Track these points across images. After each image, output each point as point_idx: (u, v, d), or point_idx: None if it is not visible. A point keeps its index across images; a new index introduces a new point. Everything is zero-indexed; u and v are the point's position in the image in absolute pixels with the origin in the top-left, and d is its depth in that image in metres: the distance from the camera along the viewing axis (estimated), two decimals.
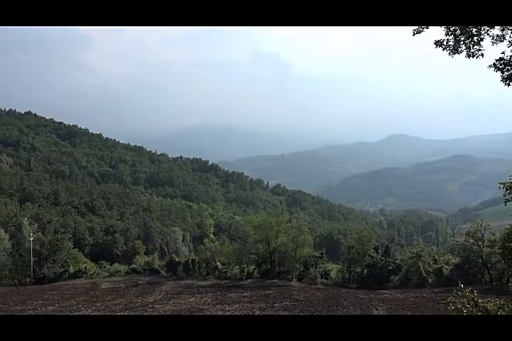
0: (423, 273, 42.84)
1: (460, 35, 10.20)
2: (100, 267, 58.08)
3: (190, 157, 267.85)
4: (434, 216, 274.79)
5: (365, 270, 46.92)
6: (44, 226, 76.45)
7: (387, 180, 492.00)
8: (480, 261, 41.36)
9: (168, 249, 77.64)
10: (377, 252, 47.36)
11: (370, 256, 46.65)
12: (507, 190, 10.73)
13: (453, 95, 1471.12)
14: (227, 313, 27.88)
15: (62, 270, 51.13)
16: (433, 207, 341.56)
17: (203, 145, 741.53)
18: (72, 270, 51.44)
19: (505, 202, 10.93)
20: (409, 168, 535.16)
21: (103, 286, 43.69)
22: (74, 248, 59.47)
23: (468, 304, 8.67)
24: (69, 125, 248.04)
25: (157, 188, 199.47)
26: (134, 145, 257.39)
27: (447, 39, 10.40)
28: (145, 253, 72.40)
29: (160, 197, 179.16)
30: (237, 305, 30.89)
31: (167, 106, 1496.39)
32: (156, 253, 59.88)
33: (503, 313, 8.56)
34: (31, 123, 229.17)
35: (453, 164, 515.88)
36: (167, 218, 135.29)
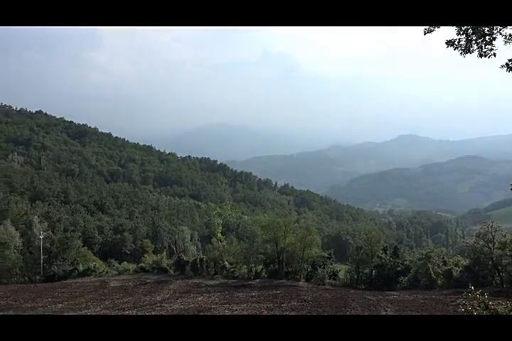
0: (432, 274, 42.40)
1: (472, 34, 10.07)
2: (109, 265, 58.54)
3: (199, 156, 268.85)
4: (443, 217, 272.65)
5: (373, 271, 46.52)
6: (54, 225, 77.36)
7: (396, 180, 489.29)
8: (490, 263, 40.82)
9: (176, 248, 77.79)
10: (385, 253, 46.98)
11: (378, 257, 46.28)
12: None
13: (464, 96, 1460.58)
14: (235, 313, 27.84)
15: (71, 268, 51.66)
16: (442, 208, 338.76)
17: (212, 145, 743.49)
18: (81, 268, 51.96)
19: None
20: (418, 169, 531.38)
21: (112, 284, 43.97)
22: (83, 246, 59.89)
23: (479, 306, 8.58)
24: (79, 124, 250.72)
25: (166, 187, 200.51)
26: (143, 145, 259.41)
27: (459, 39, 10.28)
28: (153, 252, 72.64)
29: (168, 197, 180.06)
30: (245, 305, 30.85)
31: (176, 105, 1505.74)
32: (165, 252, 60.05)
33: None
34: (42, 122, 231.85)
35: (463, 165, 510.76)
36: (175, 217, 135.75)
